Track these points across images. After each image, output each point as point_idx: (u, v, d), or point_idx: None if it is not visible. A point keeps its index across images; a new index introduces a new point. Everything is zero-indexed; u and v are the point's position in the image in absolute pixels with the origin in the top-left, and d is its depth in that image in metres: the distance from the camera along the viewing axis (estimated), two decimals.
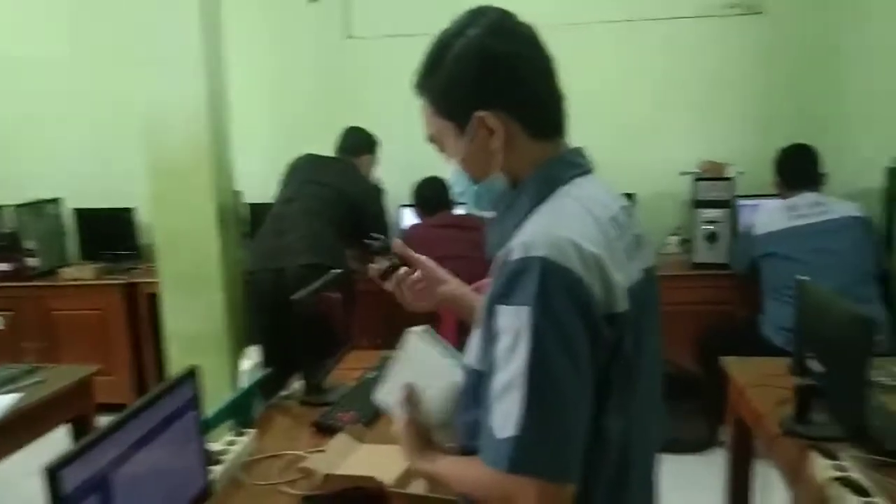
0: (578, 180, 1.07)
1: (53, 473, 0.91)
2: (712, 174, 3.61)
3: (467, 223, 3.13)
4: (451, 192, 3.33)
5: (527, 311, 0.92)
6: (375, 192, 3.52)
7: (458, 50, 1.05)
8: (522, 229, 1.01)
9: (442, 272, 1.41)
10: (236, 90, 3.70)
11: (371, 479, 1.39)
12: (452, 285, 1.40)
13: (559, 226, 0.97)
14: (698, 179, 3.58)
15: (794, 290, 1.89)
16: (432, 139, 1.14)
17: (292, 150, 3.48)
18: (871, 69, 3.83)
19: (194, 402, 1.33)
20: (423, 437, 1.16)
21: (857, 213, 3.03)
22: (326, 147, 3.52)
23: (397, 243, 1.39)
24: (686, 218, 3.84)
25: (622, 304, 0.97)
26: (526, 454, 0.90)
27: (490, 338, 0.98)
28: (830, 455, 1.49)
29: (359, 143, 3.50)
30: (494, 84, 1.04)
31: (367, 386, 2.00)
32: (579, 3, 4.03)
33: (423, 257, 1.40)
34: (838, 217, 3.00)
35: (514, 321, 0.93)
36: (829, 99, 3.89)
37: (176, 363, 3.63)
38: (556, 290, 0.92)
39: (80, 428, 2.37)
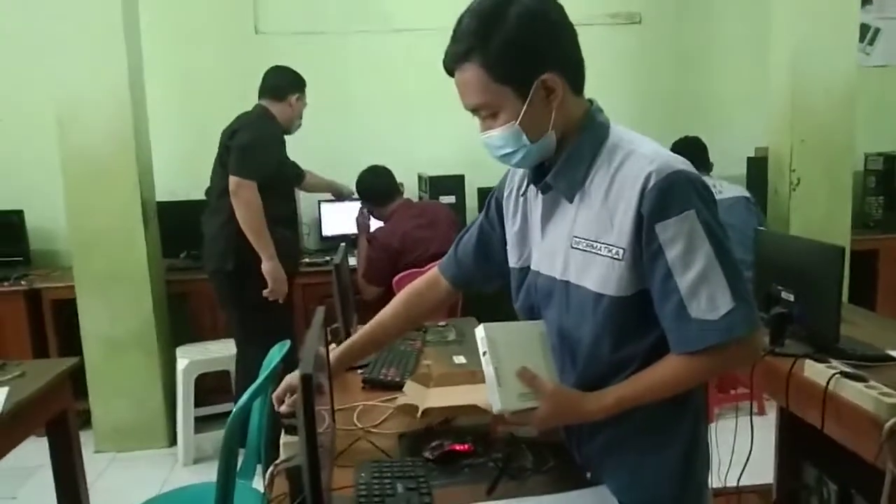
0: (613, 123, 1.26)
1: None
2: None
3: (430, 215, 3.30)
4: (394, 178, 3.42)
5: (692, 214, 1.12)
6: (260, 127, 3.06)
7: (518, 15, 1.14)
8: (623, 162, 1.18)
9: None
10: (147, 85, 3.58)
11: (472, 406, 1.50)
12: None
13: (661, 149, 1.20)
14: None
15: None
16: (479, 108, 1.20)
17: (201, 147, 3.38)
18: (729, 73, 4.46)
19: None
20: (571, 391, 1.24)
21: (743, 194, 3.53)
22: None
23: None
24: None
25: None
26: (750, 316, 1.12)
27: (650, 257, 1.14)
28: (822, 361, 1.82)
29: (279, 83, 3.20)
30: (553, 47, 1.17)
31: (389, 349, 2.08)
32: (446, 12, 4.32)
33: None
34: (729, 196, 3.48)
35: (682, 227, 1.12)
36: (698, 99, 4.48)
37: (98, 367, 3.43)
38: (701, 191, 1.14)
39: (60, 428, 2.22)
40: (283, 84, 3.20)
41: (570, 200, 1.25)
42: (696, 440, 1.28)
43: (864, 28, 4.45)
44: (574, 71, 1.21)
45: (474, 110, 1.22)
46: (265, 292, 3.02)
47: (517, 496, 1.27)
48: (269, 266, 3.01)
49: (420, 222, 3.23)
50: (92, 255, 3.37)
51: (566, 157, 1.24)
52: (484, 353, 1.19)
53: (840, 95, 3.64)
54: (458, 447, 1.42)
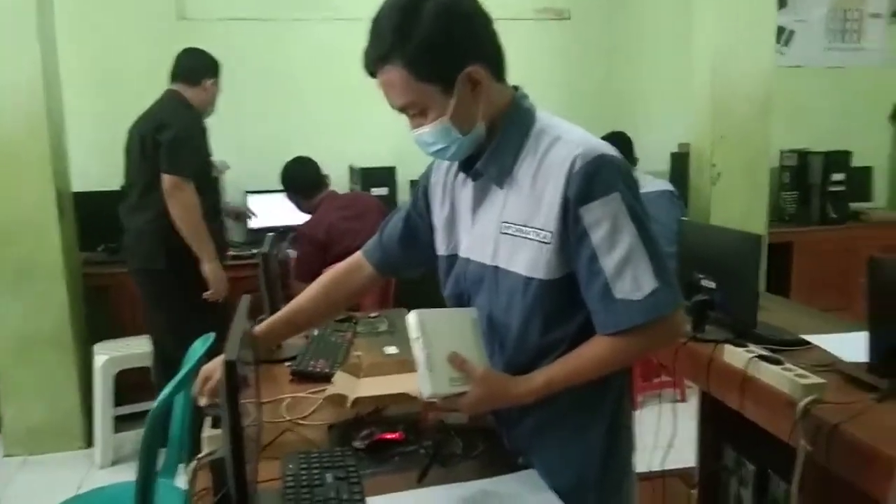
0: (538, 109, 1.28)
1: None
2: None
3: (359, 207, 3.26)
4: (320, 170, 3.37)
5: (617, 197, 1.14)
6: (185, 119, 2.95)
7: (434, 13, 1.13)
8: (550, 147, 1.20)
9: None
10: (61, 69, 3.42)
11: (403, 395, 1.48)
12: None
13: (587, 134, 1.21)
14: None
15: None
16: (406, 107, 1.20)
17: (120, 136, 3.18)
18: (654, 71, 4.58)
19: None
20: (501, 375, 1.24)
21: (667, 188, 3.64)
22: None
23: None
24: None
25: None
26: (673, 295, 1.15)
27: (576, 240, 1.17)
28: (741, 345, 1.88)
29: (193, 66, 3.05)
30: (472, 40, 1.18)
31: (319, 341, 2.05)
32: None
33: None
34: (654, 190, 3.58)
35: (606, 210, 1.14)
36: (625, 95, 4.57)
37: (9, 366, 3.27)
38: (625, 175, 1.18)
39: None
40: (198, 67, 3.07)
41: (501, 186, 1.26)
42: (619, 420, 1.31)
43: (780, 30, 4.64)
44: (495, 59, 1.22)
45: (402, 109, 1.21)
46: (206, 294, 2.93)
47: (448, 483, 1.27)
48: (210, 267, 2.92)
49: (347, 213, 3.20)
50: (2, 248, 3.19)
51: (495, 144, 1.25)
52: (416, 339, 1.19)
53: (758, 94, 3.79)
54: (388, 435, 1.41)
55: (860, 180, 4.68)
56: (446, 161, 1.38)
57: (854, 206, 4.62)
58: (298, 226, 3.28)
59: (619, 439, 1.32)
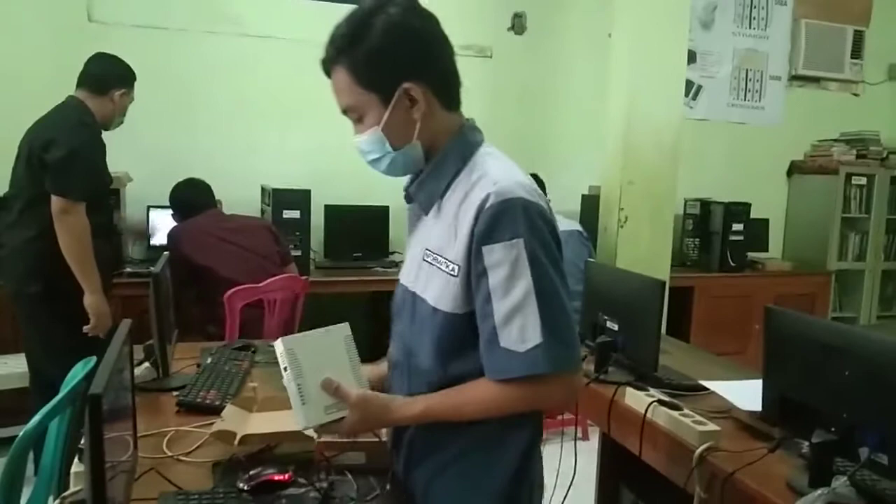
0: (485, 144, 1.28)
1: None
2: None
3: (241, 223, 3.19)
4: (211, 194, 3.26)
5: (519, 244, 1.12)
6: (79, 134, 2.71)
7: (383, 25, 1.17)
8: (477, 182, 1.18)
9: None
10: None
11: (296, 433, 1.40)
12: None
13: (513, 174, 1.20)
14: None
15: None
16: (347, 110, 1.23)
17: (17, 140, 2.93)
18: (570, 115, 4.69)
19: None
20: (377, 397, 1.22)
21: (577, 228, 3.71)
22: None
23: None
24: None
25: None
26: (557, 354, 1.10)
27: (476, 278, 1.15)
28: (642, 388, 1.89)
29: (103, 74, 2.84)
30: (418, 58, 1.19)
31: (212, 370, 1.93)
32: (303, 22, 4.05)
33: None
34: (564, 230, 3.60)
35: (507, 255, 1.12)
36: (541, 136, 4.66)
37: None
38: (535, 221, 1.14)
39: None
40: (107, 76, 2.86)
41: (426, 213, 1.27)
42: (525, 472, 1.27)
43: (689, 84, 4.85)
44: (443, 84, 1.22)
45: (344, 112, 1.23)
46: (86, 328, 2.72)
47: None
48: (92, 300, 2.70)
49: (225, 226, 3.13)
50: None
51: (428, 170, 1.25)
52: (285, 369, 1.14)
53: (666, 144, 3.92)
54: (276, 477, 1.32)
55: (758, 231, 4.91)
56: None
57: (751, 255, 4.84)
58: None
59: (522, 491, 1.27)
